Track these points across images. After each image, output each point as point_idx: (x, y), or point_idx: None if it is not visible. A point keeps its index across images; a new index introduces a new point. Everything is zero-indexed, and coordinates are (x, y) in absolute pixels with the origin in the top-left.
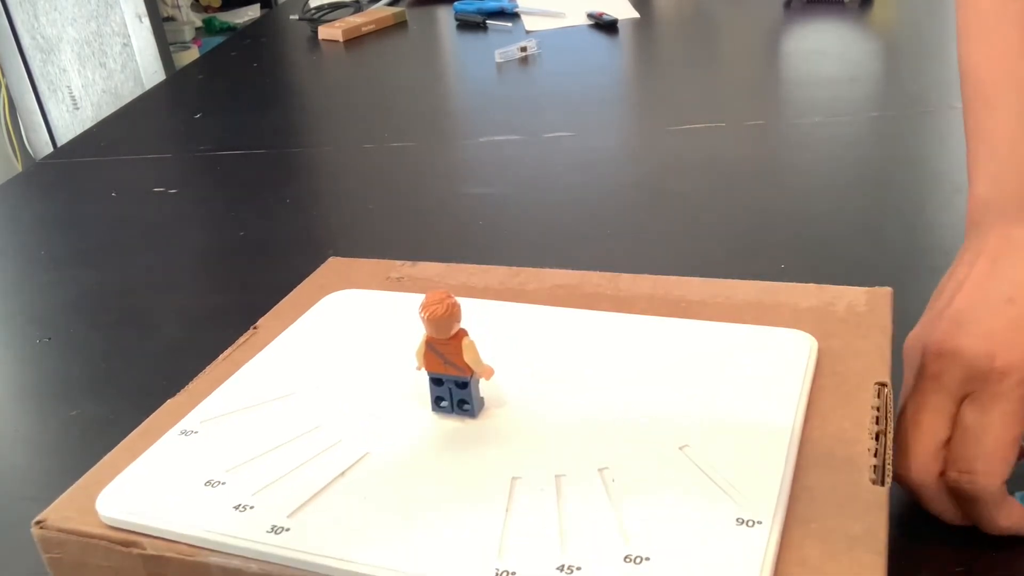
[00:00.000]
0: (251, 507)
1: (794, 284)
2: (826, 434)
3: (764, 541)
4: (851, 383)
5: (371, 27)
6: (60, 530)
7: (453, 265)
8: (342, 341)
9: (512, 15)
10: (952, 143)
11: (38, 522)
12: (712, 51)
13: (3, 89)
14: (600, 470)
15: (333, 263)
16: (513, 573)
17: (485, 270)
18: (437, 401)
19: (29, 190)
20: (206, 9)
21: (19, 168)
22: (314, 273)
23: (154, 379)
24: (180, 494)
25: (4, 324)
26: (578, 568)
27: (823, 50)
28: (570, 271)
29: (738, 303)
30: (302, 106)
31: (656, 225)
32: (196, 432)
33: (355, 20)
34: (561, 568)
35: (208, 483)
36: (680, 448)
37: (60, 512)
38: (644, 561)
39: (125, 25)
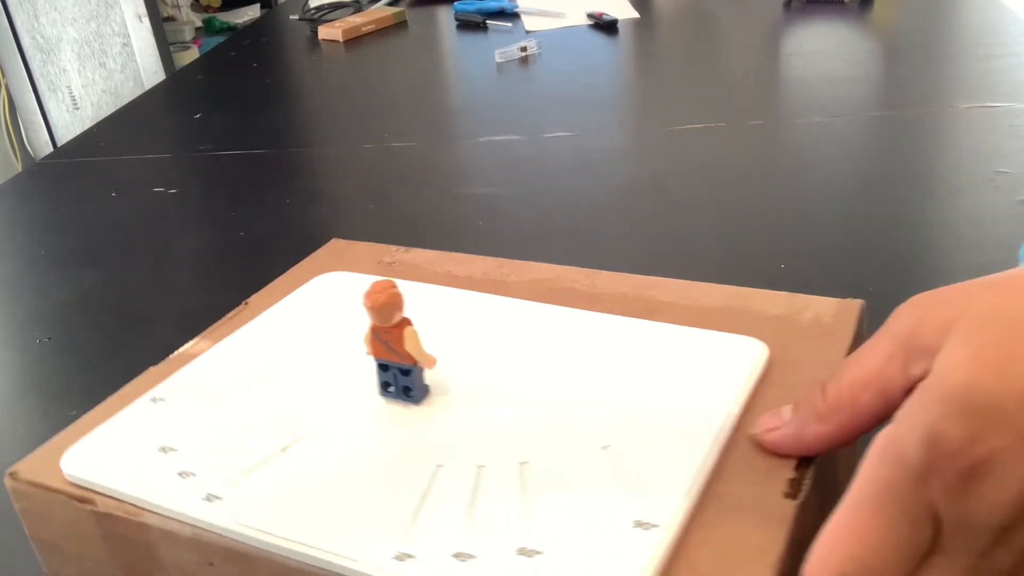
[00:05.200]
0: (193, 475)
1: (767, 291)
2: (755, 443)
3: (656, 544)
4: (797, 394)
5: (371, 27)
6: (28, 482)
7: (444, 253)
8: (321, 322)
9: (512, 15)
10: (952, 143)
11: (11, 473)
12: (712, 51)
13: (3, 89)
14: (520, 464)
15: (334, 244)
16: (411, 556)
17: (472, 260)
18: (384, 386)
19: (29, 190)
20: (206, 9)
21: (19, 168)
22: (314, 253)
23: None
24: (135, 458)
25: (4, 324)
26: (472, 556)
27: (823, 50)
28: (552, 265)
29: (706, 307)
30: (302, 106)
31: (656, 225)
32: (164, 400)
33: (355, 20)
34: (457, 555)
35: (162, 449)
36: (602, 448)
37: (31, 465)
38: (536, 555)
39: (125, 25)
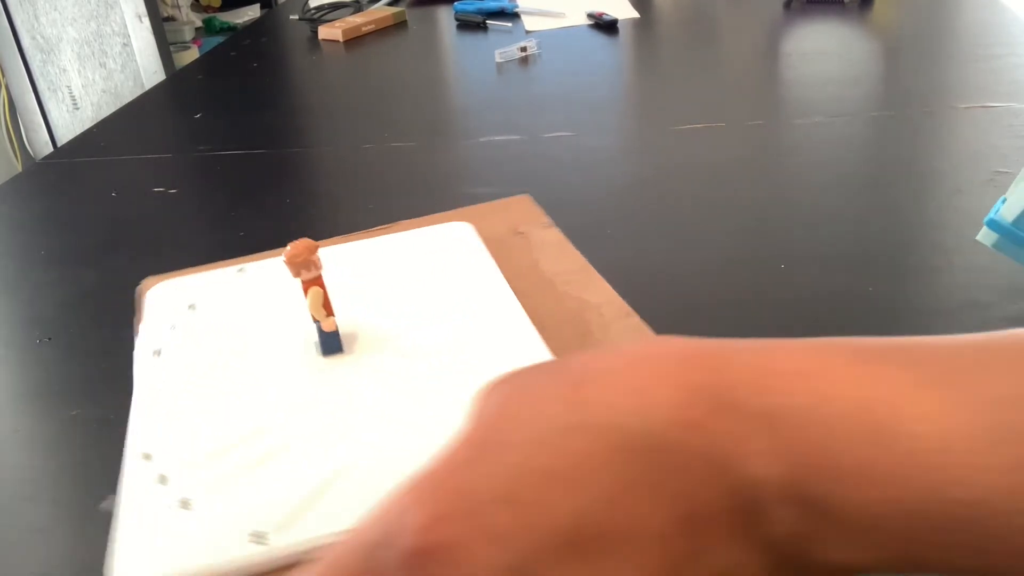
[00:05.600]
0: (174, 328)
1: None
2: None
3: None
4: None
5: (371, 27)
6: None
7: (565, 243)
8: (420, 258)
9: (512, 15)
10: (952, 143)
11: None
12: (712, 51)
13: (3, 89)
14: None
15: (519, 200)
16: (165, 480)
17: (573, 258)
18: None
19: (29, 190)
20: (206, 9)
21: (19, 168)
22: (504, 200)
23: None
24: (170, 309)
25: (4, 324)
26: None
27: (823, 50)
28: (608, 289)
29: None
30: (302, 106)
31: (656, 225)
32: (244, 272)
33: (355, 20)
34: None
35: (189, 307)
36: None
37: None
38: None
39: (125, 25)
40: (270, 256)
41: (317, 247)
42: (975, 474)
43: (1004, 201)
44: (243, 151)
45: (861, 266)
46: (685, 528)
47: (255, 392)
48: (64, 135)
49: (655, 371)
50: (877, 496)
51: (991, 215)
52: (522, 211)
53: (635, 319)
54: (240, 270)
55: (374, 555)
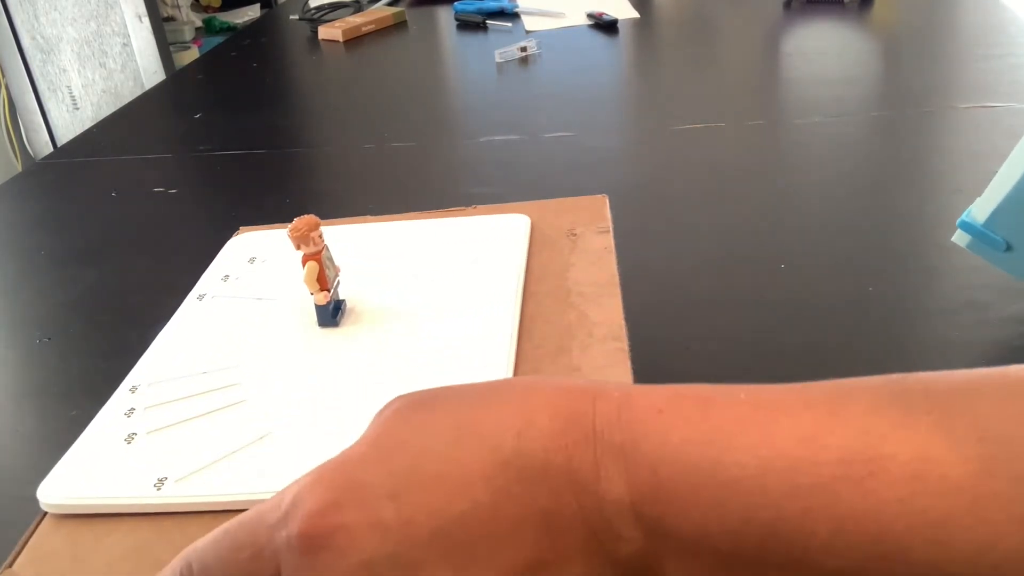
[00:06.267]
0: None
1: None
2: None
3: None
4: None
5: (371, 27)
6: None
7: (611, 250)
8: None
9: (512, 15)
10: (952, 143)
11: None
12: (712, 51)
13: (3, 89)
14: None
15: (594, 200)
16: (132, 412)
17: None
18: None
19: (29, 190)
20: (206, 9)
21: (19, 168)
22: (578, 199)
23: None
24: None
25: (4, 324)
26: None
27: (823, 50)
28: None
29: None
30: (302, 106)
31: (656, 225)
32: (211, 295)
33: (355, 20)
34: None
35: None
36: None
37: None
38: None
39: (125, 25)
40: (351, 222)
41: (319, 224)
42: (781, 499)
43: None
44: (243, 151)
45: (861, 266)
46: (546, 540)
47: (251, 350)
48: (64, 135)
49: (540, 401)
50: (701, 518)
51: (963, 216)
52: (590, 212)
53: (620, 345)
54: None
55: (265, 532)
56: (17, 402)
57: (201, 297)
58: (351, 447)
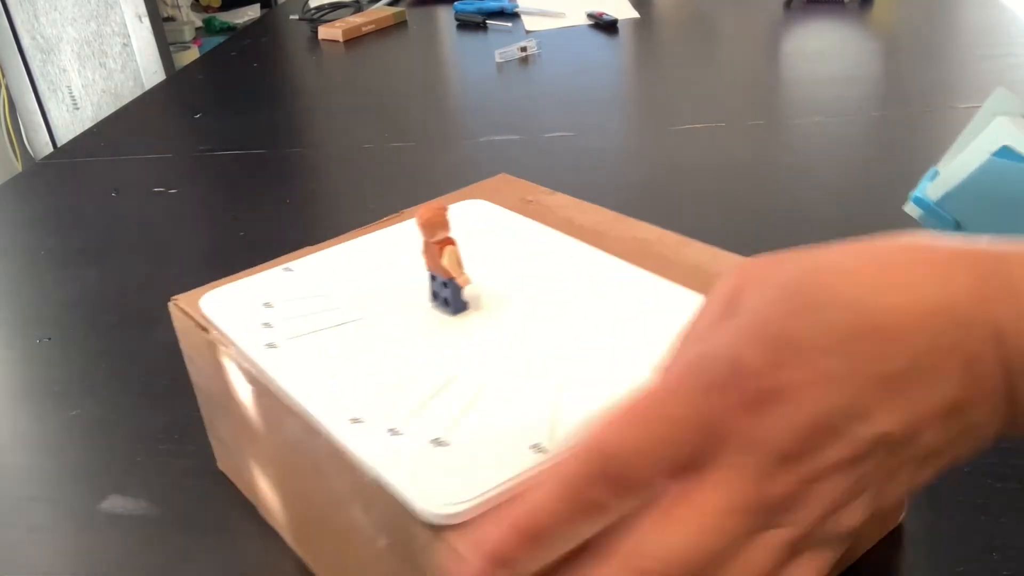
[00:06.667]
0: (270, 326)
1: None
2: None
3: None
4: None
5: (371, 27)
6: (182, 309)
7: (575, 200)
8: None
9: (512, 15)
10: (952, 143)
11: (173, 300)
12: (712, 51)
13: (3, 89)
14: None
15: (502, 177)
16: (361, 421)
17: (596, 210)
18: (433, 295)
19: (29, 190)
20: (206, 9)
21: (19, 168)
22: (484, 181)
23: (154, 379)
24: (246, 307)
25: (4, 324)
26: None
27: (823, 50)
28: (654, 227)
29: (699, 262)
30: (302, 106)
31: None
32: (292, 270)
33: (355, 20)
34: (434, 441)
35: (265, 304)
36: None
37: (190, 297)
38: (444, 448)
39: (125, 25)
40: (302, 255)
41: (446, 208)
42: None
43: (934, 175)
44: (243, 151)
45: None
46: (968, 384)
47: (409, 351)
48: (64, 135)
49: (943, 257)
50: None
51: (917, 192)
52: (513, 186)
53: (697, 242)
54: (286, 269)
55: (705, 401)
56: (17, 402)
57: (271, 346)
58: (751, 309)
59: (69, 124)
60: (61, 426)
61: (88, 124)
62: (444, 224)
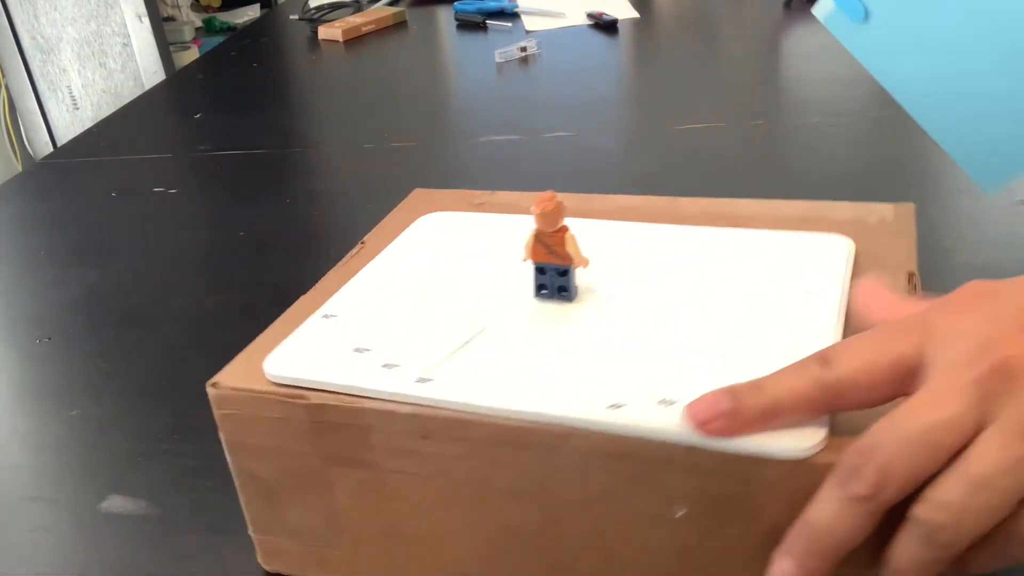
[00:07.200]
0: (397, 365)
1: (834, 202)
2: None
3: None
4: (886, 274)
5: (371, 27)
6: (233, 389)
7: (526, 193)
8: (445, 249)
9: (512, 15)
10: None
11: (212, 384)
12: (712, 51)
13: (3, 89)
14: (674, 350)
15: (417, 193)
16: (622, 405)
17: (560, 196)
18: (539, 289)
19: (29, 190)
20: (206, 9)
21: (19, 168)
22: (402, 203)
23: (154, 379)
24: (335, 358)
25: (4, 324)
26: (674, 402)
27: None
28: (633, 196)
29: (785, 217)
30: (302, 106)
31: None
32: (336, 316)
33: (355, 20)
34: (662, 402)
35: (357, 350)
36: (741, 334)
37: (229, 376)
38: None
39: (125, 25)
40: (321, 296)
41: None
42: None
43: None
44: (243, 151)
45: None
46: None
47: (569, 337)
48: (64, 135)
49: None
50: None
51: None
52: (439, 196)
53: (717, 199)
54: (327, 316)
55: (961, 370)
56: (17, 402)
57: (423, 380)
58: (1003, 297)
59: (69, 124)
60: (61, 426)
61: (88, 124)
62: (563, 211)
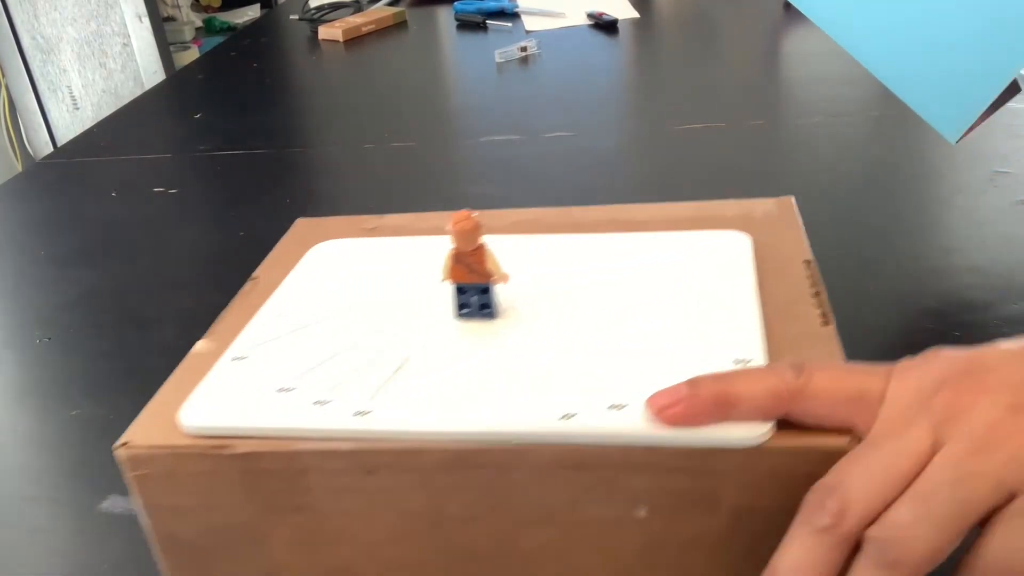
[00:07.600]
0: (329, 401)
1: (718, 201)
2: (778, 301)
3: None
4: (782, 264)
5: (371, 27)
6: (149, 447)
7: (419, 214)
8: (347, 278)
9: (512, 15)
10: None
11: (123, 444)
12: (712, 51)
13: (3, 89)
14: (605, 353)
15: (301, 223)
16: (574, 414)
17: (450, 215)
18: (461, 308)
19: (29, 190)
20: (206, 9)
21: (19, 168)
22: (287, 233)
23: (154, 379)
24: (258, 401)
25: (4, 324)
26: (624, 406)
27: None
28: (527, 209)
29: (678, 218)
30: (302, 106)
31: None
32: (246, 357)
33: (355, 20)
34: (612, 406)
35: (280, 390)
36: (664, 332)
37: (141, 434)
38: (624, 408)
39: (125, 25)
40: (224, 337)
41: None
42: None
43: None
44: (243, 151)
45: (860, 265)
46: None
47: (499, 353)
48: (64, 135)
49: None
50: None
51: None
52: (326, 225)
53: (634, 205)
54: (237, 359)
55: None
56: (17, 402)
57: (361, 413)
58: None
59: (69, 124)
60: (61, 426)
61: (88, 124)
62: (480, 229)
